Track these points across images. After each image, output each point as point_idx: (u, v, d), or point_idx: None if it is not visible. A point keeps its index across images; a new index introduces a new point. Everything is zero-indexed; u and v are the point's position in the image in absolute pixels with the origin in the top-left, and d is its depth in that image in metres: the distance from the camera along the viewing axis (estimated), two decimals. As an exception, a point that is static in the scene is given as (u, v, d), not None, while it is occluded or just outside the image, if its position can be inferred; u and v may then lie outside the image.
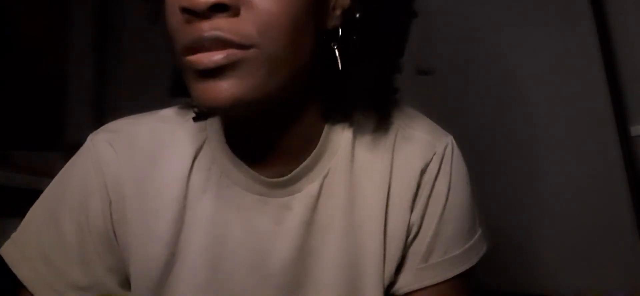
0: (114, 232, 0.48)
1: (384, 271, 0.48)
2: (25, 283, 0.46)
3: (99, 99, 1.83)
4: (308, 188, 0.48)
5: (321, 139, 0.49)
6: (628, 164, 1.27)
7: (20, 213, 0.50)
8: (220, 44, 0.36)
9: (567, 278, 1.32)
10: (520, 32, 1.44)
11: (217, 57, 0.36)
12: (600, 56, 1.32)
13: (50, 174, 0.51)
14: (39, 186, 0.50)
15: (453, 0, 1.52)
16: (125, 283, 0.49)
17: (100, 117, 1.78)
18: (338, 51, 0.44)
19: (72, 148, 0.51)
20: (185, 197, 0.48)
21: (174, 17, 0.38)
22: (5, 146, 1.43)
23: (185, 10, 0.36)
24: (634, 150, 1.28)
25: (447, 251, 0.50)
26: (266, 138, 0.47)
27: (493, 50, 1.48)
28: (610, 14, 1.32)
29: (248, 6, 0.37)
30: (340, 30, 0.44)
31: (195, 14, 0.36)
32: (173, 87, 0.50)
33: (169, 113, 0.52)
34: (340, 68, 0.44)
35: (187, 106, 0.51)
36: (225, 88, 0.37)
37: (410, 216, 0.49)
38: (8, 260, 0.47)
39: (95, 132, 0.51)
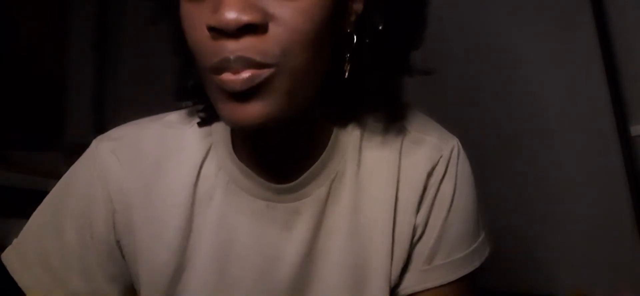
0: (118, 241, 0.48)
1: (390, 273, 0.48)
2: (25, 290, 0.46)
3: (99, 99, 1.82)
4: (316, 192, 0.48)
5: (330, 142, 0.49)
6: (628, 164, 1.27)
7: (20, 213, 0.50)
8: (245, 64, 0.36)
9: (567, 278, 1.32)
10: (520, 33, 1.44)
11: (244, 77, 0.35)
12: (600, 56, 1.31)
13: (50, 174, 0.51)
14: (39, 186, 0.50)
15: (453, 0, 1.52)
16: (127, 292, 0.49)
17: (100, 117, 1.78)
18: (350, 58, 0.44)
19: (72, 148, 0.51)
20: (192, 204, 0.47)
21: (198, 33, 0.37)
22: (5, 146, 1.43)
23: (213, 29, 0.35)
24: (634, 150, 1.28)
25: (450, 254, 0.50)
26: (274, 143, 0.47)
27: (492, 50, 1.48)
28: (610, 14, 1.32)
29: (276, 23, 0.36)
30: (354, 37, 0.44)
31: (223, 34, 0.35)
32: (178, 90, 0.50)
33: (173, 118, 0.52)
34: (346, 75, 0.44)
35: (192, 110, 0.51)
36: (254, 110, 0.37)
37: (416, 218, 0.49)
38: (8, 266, 0.47)
39: (99, 138, 0.50)
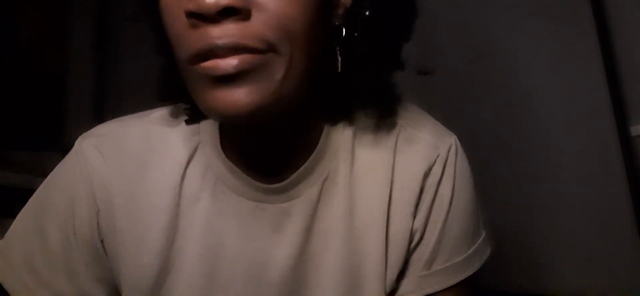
0: (101, 241, 0.46)
1: (385, 277, 0.47)
2: (10, 293, 0.45)
3: (99, 99, 1.82)
4: (307, 193, 0.46)
5: (321, 140, 0.47)
6: (628, 164, 1.27)
7: (20, 213, 0.49)
8: (235, 50, 0.34)
9: (566, 278, 1.32)
10: (520, 33, 1.44)
11: (234, 61, 0.34)
12: (600, 56, 1.31)
13: (50, 175, 0.50)
14: (38, 186, 0.49)
15: (453, 0, 1.52)
16: (115, 294, 0.47)
17: (100, 117, 1.77)
18: (340, 51, 0.43)
19: (72, 148, 0.50)
20: (177, 205, 0.46)
21: (177, 22, 0.35)
22: (5, 146, 1.42)
23: (192, 15, 0.34)
24: (634, 150, 1.28)
25: (450, 258, 0.49)
26: (264, 141, 0.45)
27: (493, 50, 1.48)
28: (610, 13, 1.32)
29: (259, 9, 0.34)
30: (343, 30, 0.43)
31: (203, 19, 0.34)
32: (162, 91, 0.48)
33: (160, 115, 0.50)
34: (339, 70, 0.43)
35: (180, 107, 0.49)
36: (242, 96, 0.35)
37: (413, 222, 0.48)
38: None
39: (83, 136, 0.49)
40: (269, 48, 0.35)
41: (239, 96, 0.35)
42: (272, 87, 0.36)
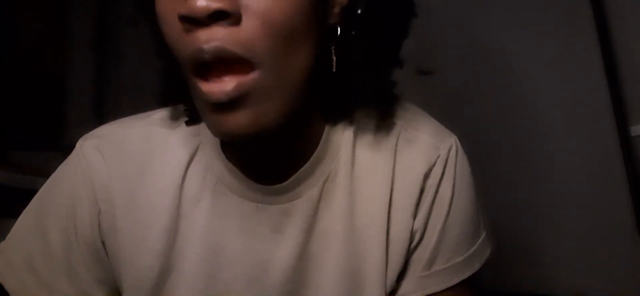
0: (103, 242, 0.46)
1: (386, 277, 0.47)
2: (11, 294, 0.45)
3: (99, 99, 1.82)
4: (308, 194, 0.46)
5: (321, 141, 0.47)
6: (628, 164, 1.27)
7: (20, 213, 0.49)
8: (222, 55, 0.34)
9: (567, 278, 1.32)
10: (521, 33, 1.44)
11: (229, 88, 0.34)
12: (600, 56, 1.31)
13: (50, 175, 0.51)
14: (38, 186, 0.50)
15: (453, 0, 1.52)
16: (115, 295, 0.47)
17: (100, 117, 1.78)
18: (335, 51, 0.43)
19: (72, 148, 0.50)
20: (178, 206, 0.46)
21: (172, 27, 0.36)
22: (5, 146, 1.42)
23: (185, 19, 0.34)
24: (634, 150, 1.28)
25: (450, 259, 0.49)
26: (264, 143, 0.45)
27: (493, 50, 1.48)
28: (610, 14, 1.32)
29: (249, 14, 0.34)
30: (338, 29, 0.43)
31: (195, 23, 0.34)
32: (163, 94, 0.48)
33: (160, 116, 0.50)
34: (334, 69, 0.43)
35: (180, 108, 0.49)
36: (243, 119, 0.36)
37: (414, 223, 0.48)
38: None
39: (84, 137, 0.49)
40: (262, 60, 0.35)
41: (238, 121, 0.36)
42: (269, 106, 0.36)
